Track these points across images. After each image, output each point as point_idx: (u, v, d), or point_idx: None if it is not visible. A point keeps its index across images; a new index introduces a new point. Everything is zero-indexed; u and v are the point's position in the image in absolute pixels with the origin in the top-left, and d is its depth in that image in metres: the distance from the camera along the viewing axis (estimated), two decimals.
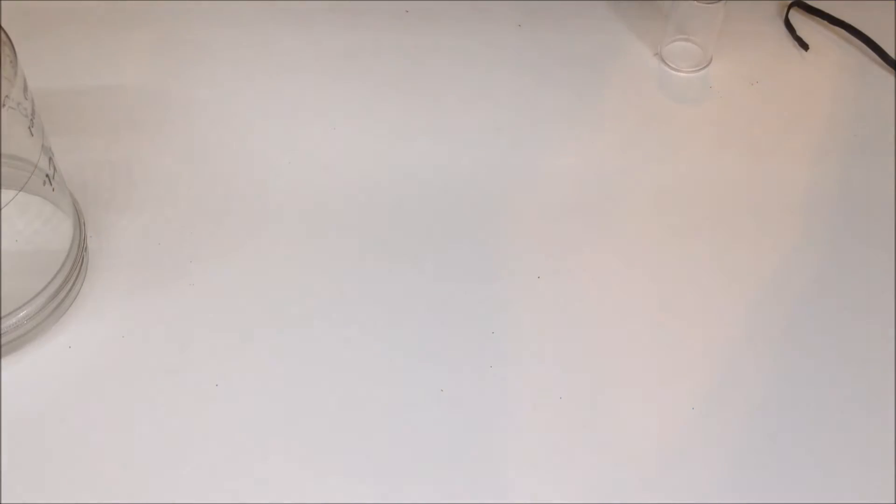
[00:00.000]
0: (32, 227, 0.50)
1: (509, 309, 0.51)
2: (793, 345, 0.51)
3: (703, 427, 0.48)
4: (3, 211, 0.48)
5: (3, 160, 0.47)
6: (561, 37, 0.64)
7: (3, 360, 0.48)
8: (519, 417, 0.48)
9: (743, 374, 0.50)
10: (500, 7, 0.65)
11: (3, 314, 0.47)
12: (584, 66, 0.61)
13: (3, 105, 0.44)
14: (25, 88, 0.46)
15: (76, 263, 0.50)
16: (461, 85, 0.61)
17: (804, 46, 0.63)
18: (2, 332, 0.48)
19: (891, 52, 0.62)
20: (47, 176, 0.49)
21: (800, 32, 0.64)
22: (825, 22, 0.65)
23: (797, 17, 0.65)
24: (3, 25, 0.45)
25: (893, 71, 0.62)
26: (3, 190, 0.48)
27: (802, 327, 0.51)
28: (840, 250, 0.54)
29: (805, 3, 0.65)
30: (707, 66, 0.62)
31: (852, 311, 0.52)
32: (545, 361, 0.50)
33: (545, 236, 0.54)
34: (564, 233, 0.54)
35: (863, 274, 0.54)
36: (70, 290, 0.50)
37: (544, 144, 0.57)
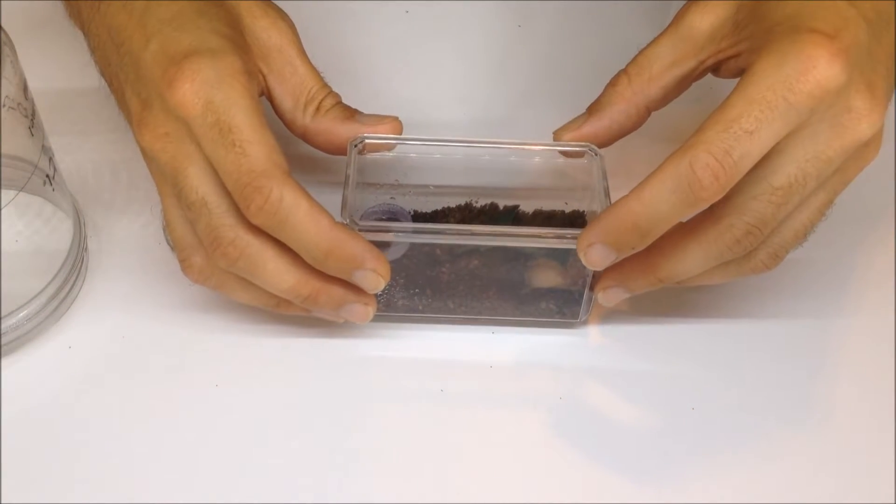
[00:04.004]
0: (32, 227, 0.50)
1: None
2: (793, 345, 0.51)
3: (702, 424, 0.48)
4: (3, 211, 0.48)
5: (3, 160, 0.47)
6: (561, 37, 0.64)
7: (3, 360, 0.48)
8: (519, 417, 0.48)
9: (742, 371, 0.50)
10: (500, 7, 0.65)
11: (3, 314, 0.47)
12: (583, 66, 0.61)
13: (3, 105, 0.44)
14: (25, 88, 0.46)
15: (76, 263, 0.50)
16: (460, 85, 0.61)
17: None
18: (2, 332, 0.48)
19: None
20: (47, 176, 0.49)
21: None
22: None
23: None
24: (3, 25, 0.45)
25: None
26: (3, 190, 0.48)
27: (801, 328, 0.51)
28: (839, 250, 0.54)
29: None
30: None
31: (851, 311, 0.52)
32: (545, 361, 0.50)
33: None
34: None
35: (862, 274, 0.54)
36: (70, 290, 0.50)
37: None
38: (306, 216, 0.42)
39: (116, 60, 0.46)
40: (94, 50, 0.48)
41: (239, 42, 0.45)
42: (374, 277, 0.44)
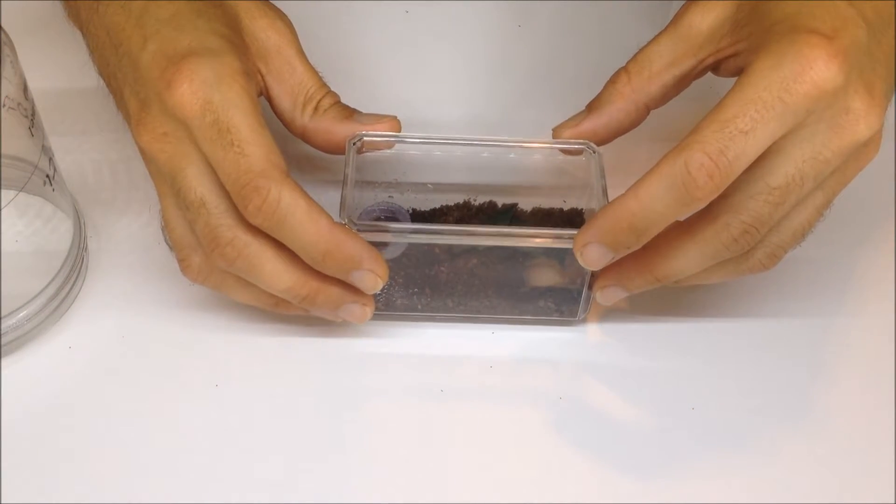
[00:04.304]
0: (32, 227, 0.50)
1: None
2: (793, 344, 0.51)
3: (702, 423, 0.48)
4: (3, 211, 0.48)
5: (3, 160, 0.47)
6: (561, 37, 0.64)
7: (3, 360, 0.48)
8: (519, 417, 0.48)
9: (742, 370, 0.50)
10: (500, 7, 0.65)
11: (3, 314, 0.48)
12: (583, 65, 0.61)
13: (3, 105, 0.44)
14: (25, 88, 0.46)
15: (76, 263, 0.50)
16: (460, 84, 0.61)
17: None
18: (2, 332, 0.48)
19: None
20: (47, 176, 0.49)
21: None
22: None
23: None
24: (3, 25, 0.45)
25: None
26: (3, 190, 0.48)
27: (801, 327, 0.51)
28: (840, 249, 0.54)
29: None
30: None
31: (851, 310, 0.52)
32: (544, 360, 0.50)
33: None
34: None
35: (862, 273, 0.54)
36: (70, 290, 0.50)
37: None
38: (304, 216, 0.42)
39: (115, 61, 0.46)
40: (92, 50, 0.48)
41: (237, 42, 0.45)
42: (372, 278, 0.44)
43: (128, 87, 0.45)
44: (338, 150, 0.48)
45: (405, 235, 0.46)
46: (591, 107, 0.49)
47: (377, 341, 0.50)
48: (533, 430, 0.47)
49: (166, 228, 0.46)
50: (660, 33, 0.48)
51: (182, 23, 0.44)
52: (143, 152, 0.45)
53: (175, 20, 0.44)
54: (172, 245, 0.46)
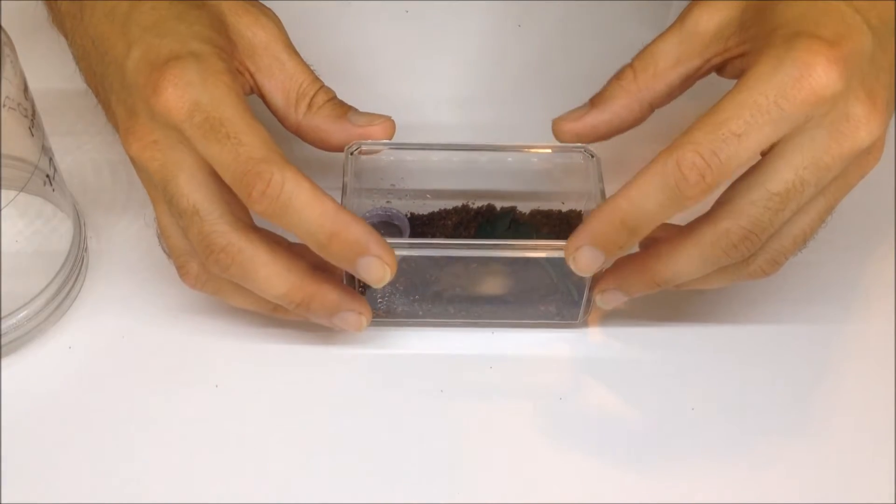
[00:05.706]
0: (32, 227, 0.50)
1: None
2: (794, 349, 0.51)
3: (702, 425, 0.48)
4: (3, 211, 0.48)
5: (3, 160, 0.47)
6: (561, 37, 0.64)
7: (3, 360, 0.48)
8: (519, 418, 0.48)
9: (742, 373, 0.50)
10: (500, 7, 0.65)
11: (3, 314, 0.47)
12: (583, 66, 0.61)
13: (3, 105, 0.44)
14: (25, 88, 0.46)
15: (76, 263, 0.50)
16: (460, 85, 0.61)
17: None
18: (2, 332, 0.48)
19: None
20: (47, 176, 0.49)
21: None
22: None
23: None
24: (3, 25, 0.45)
25: None
26: (3, 190, 0.48)
27: (802, 332, 0.51)
28: (841, 254, 0.54)
29: None
30: None
31: (852, 315, 0.52)
32: (544, 361, 0.50)
33: None
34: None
35: (863, 279, 0.54)
36: (70, 290, 0.50)
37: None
38: (310, 198, 0.42)
39: (101, 70, 0.46)
40: (79, 59, 0.48)
41: (221, 43, 0.45)
42: (380, 266, 0.43)
43: (114, 96, 0.45)
44: (332, 148, 0.48)
45: (400, 250, 0.46)
46: (595, 102, 0.48)
47: (377, 342, 0.50)
48: (533, 430, 0.47)
49: (162, 236, 0.46)
50: (666, 31, 0.48)
51: (164, 28, 0.44)
52: (133, 161, 0.45)
53: (157, 26, 0.44)
54: (170, 252, 0.46)
